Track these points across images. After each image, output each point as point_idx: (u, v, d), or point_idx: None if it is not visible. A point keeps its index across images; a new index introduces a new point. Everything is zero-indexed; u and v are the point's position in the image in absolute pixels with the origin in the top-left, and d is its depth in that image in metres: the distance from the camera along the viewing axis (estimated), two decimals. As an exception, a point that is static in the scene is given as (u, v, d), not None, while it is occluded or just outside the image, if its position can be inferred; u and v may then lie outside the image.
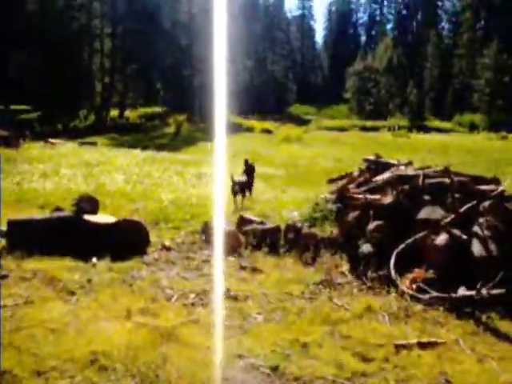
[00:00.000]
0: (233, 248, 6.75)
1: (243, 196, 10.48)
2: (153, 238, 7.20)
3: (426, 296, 5.45)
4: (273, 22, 76.97)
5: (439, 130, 59.99)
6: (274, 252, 6.77)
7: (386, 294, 5.63)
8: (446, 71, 76.17)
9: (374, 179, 8.48)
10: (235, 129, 39.93)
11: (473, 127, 61.85)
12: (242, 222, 7.41)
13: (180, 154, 21.85)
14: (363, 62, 75.75)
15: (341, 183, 9.78)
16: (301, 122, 59.36)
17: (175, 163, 17.47)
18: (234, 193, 10.27)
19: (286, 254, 6.74)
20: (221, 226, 6.99)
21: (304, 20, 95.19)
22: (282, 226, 7.31)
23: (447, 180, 7.11)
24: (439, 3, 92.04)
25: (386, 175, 8.38)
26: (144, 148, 23.34)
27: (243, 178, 10.81)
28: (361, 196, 7.51)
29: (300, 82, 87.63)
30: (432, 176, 7.44)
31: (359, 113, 71.92)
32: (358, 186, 8.80)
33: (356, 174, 10.03)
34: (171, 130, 38.50)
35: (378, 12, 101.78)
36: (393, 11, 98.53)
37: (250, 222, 7.38)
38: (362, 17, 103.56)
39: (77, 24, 47.05)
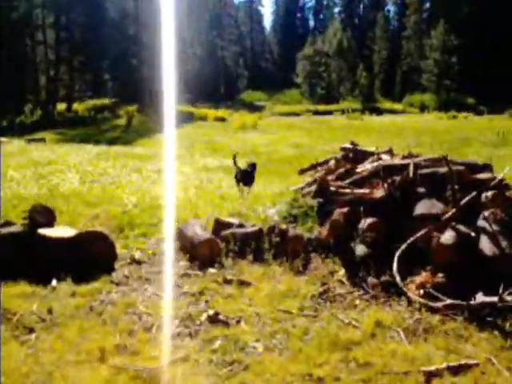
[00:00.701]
0: (212, 257, 5.97)
1: (245, 185, 10.08)
2: (120, 249, 6.33)
3: (440, 304, 4.83)
4: (221, 8, 75.55)
5: (391, 112, 60.54)
6: (260, 259, 6.02)
7: (394, 303, 4.99)
8: (395, 53, 76.87)
9: (357, 170, 7.83)
10: (188, 118, 38.93)
11: (423, 107, 62.69)
12: (219, 225, 6.61)
13: (135, 148, 20.76)
14: (313, 46, 75.53)
15: (317, 174, 9.12)
16: (253, 108, 58.70)
17: (131, 158, 16.47)
18: (237, 180, 10.07)
19: (272, 261, 5.99)
20: (196, 232, 6.19)
21: (252, 5, 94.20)
22: (264, 228, 6.55)
23: (441, 169, 6.52)
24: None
25: (371, 165, 7.76)
26: (96, 142, 22.12)
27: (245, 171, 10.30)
28: (347, 190, 6.83)
29: (250, 67, 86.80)
30: (424, 166, 6.82)
31: (311, 97, 71.80)
32: (339, 177, 8.15)
33: (332, 163, 9.38)
34: (122, 121, 37.09)
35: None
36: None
37: (228, 225, 6.59)
38: (310, 1, 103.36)
39: (16, 14, 44.68)
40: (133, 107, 40.65)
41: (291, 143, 24.87)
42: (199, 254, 5.94)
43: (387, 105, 66.54)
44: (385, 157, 8.30)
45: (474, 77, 63.51)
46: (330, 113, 56.18)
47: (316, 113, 56.32)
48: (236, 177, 10.19)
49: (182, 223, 6.84)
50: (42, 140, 24.16)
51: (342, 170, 8.27)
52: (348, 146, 9.68)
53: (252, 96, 74.07)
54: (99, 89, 54.35)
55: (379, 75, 76.77)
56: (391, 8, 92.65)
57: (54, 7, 46.51)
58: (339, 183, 7.40)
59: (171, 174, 13.53)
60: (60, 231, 5.87)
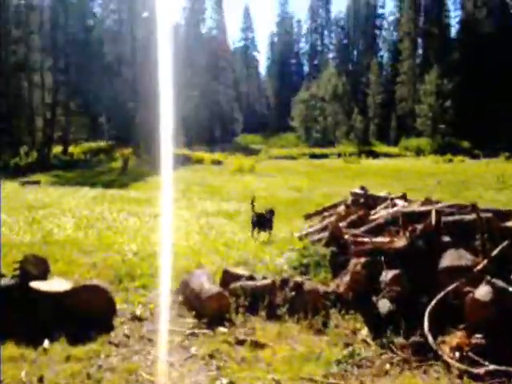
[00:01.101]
0: (220, 312, 5.43)
1: (263, 230, 10.06)
2: (119, 303, 5.76)
3: (482, 370, 4.29)
4: (217, 54, 76.44)
5: (387, 155, 60.66)
6: (273, 316, 5.47)
7: (429, 369, 4.44)
8: (389, 98, 77.67)
9: (371, 217, 7.36)
10: (184, 161, 38.66)
11: (419, 151, 62.93)
12: (227, 277, 6.09)
13: (131, 191, 20.30)
14: (308, 91, 76.33)
15: (326, 220, 8.65)
16: (249, 151, 58.77)
17: (128, 202, 15.98)
18: (253, 224, 10.05)
19: (287, 318, 5.44)
20: (203, 285, 5.66)
21: (247, 51, 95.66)
22: (276, 280, 6.02)
23: (467, 217, 6.05)
24: (377, 32, 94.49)
25: (386, 212, 7.30)
26: (92, 185, 21.67)
27: (262, 216, 10.29)
28: (365, 239, 6.34)
29: (246, 111, 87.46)
30: (448, 213, 6.36)
31: (307, 140, 72.20)
32: (351, 224, 7.68)
33: (342, 209, 8.93)
34: (118, 164, 36.75)
35: (319, 42, 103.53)
36: (333, 41, 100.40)
37: (237, 276, 6.06)
38: (304, 47, 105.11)
39: (14, 58, 44.93)
40: (128, 150, 40.42)
41: (290, 186, 24.51)
42: (207, 309, 5.39)
43: (383, 148, 66.80)
44: (399, 202, 7.86)
45: (469, 121, 64.04)
46: (326, 156, 56.32)
47: (312, 156, 56.43)
48: (252, 221, 10.03)
49: (187, 274, 6.28)
50: (37, 182, 23.73)
51: (354, 216, 7.81)
52: (358, 190, 9.25)
53: (247, 139, 74.42)
54: (95, 132, 54.29)
55: (374, 119, 77.34)
56: (385, 54, 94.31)
57: (53, 51, 46.84)
58: (354, 231, 6.92)
59: (170, 219, 13.03)
60: (54, 284, 5.32)
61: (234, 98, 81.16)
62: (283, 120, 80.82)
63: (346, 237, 6.82)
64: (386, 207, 7.89)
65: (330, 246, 7.39)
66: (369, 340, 4.99)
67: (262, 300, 5.60)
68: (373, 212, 7.85)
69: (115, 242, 9.11)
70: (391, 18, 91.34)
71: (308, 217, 11.09)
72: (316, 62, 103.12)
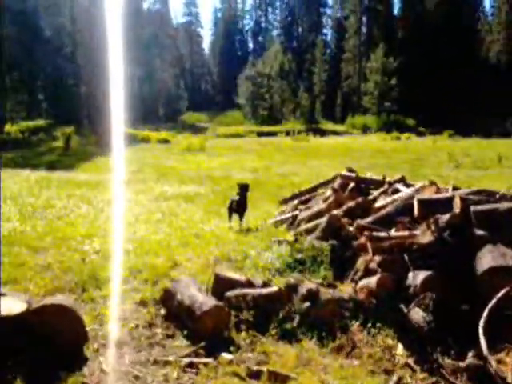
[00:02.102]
0: (218, 330, 4.35)
1: (240, 217, 9.13)
2: (87, 320, 4.58)
3: None
4: (160, 29, 73.76)
5: (334, 133, 60.49)
6: (286, 334, 4.42)
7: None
8: (334, 75, 77.49)
9: (376, 205, 6.41)
10: (130, 140, 36.88)
11: (365, 129, 63.16)
12: (220, 283, 4.98)
13: (78, 173, 18.66)
14: (254, 68, 75.03)
15: (319, 208, 7.64)
16: (196, 130, 57.36)
17: (78, 186, 14.49)
18: (230, 212, 9.18)
19: (303, 336, 4.41)
20: (194, 297, 4.54)
21: (191, 26, 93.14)
22: (280, 285, 4.97)
23: (502, 206, 5.17)
24: (322, 10, 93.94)
25: (392, 199, 6.35)
26: (34, 167, 19.84)
27: (238, 197, 9.35)
28: (382, 234, 5.36)
29: (190, 89, 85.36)
30: (476, 201, 5.46)
31: (253, 118, 71.18)
32: (348, 213, 6.71)
33: (330, 194, 7.95)
34: (59, 144, 34.56)
35: (263, 19, 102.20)
36: (278, 17, 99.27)
37: (232, 283, 4.96)
38: (249, 23, 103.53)
39: None
40: (70, 129, 38.17)
41: (246, 167, 23.46)
42: (202, 328, 4.29)
43: (329, 126, 66.61)
44: (402, 187, 6.93)
45: (413, 99, 64.60)
46: (274, 134, 55.48)
47: (260, 134, 55.51)
48: (230, 207, 9.12)
49: (171, 282, 5.11)
50: (-29, 165, 21.65)
51: (351, 203, 6.83)
52: (348, 173, 8.27)
53: (193, 118, 72.76)
54: (33, 109, 51.24)
55: (320, 97, 76.97)
56: (329, 31, 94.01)
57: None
58: (360, 222, 5.94)
59: (127, 205, 11.76)
60: (5, 305, 4.07)
61: (178, 75, 78.92)
62: (229, 97, 79.48)
63: (351, 229, 5.85)
64: (383, 192, 6.98)
65: (326, 238, 6.42)
66: (411, 362, 4.03)
67: (269, 313, 4.54)
68: (370, 198, 6.92)
69: (71, 236, 7.80)
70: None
71: (285, 202, 10.10)
72: (260, 38, 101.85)
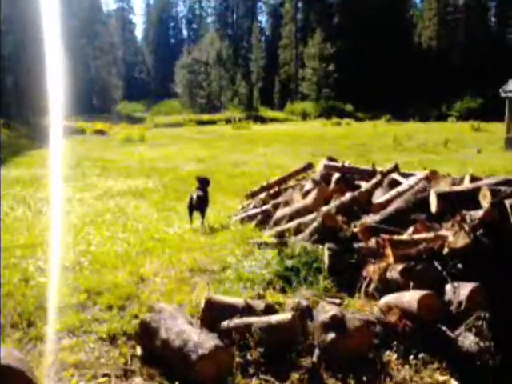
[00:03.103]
0: (217, 377, 3.30)
1: (202, 214, 8.16)
2: (39, 374, 3.42)
3: None
4: (91, 16, 70.53)
5: (274, 120, 59.99)
6: (311, 377, 3.41)
7: None
8: (272, 62, 76.87)
9: (377, 201, 5.49)
10: (64, 132, 34.83)
11: (305, 115, 63.10)
12: (213, 309, 3.90)
13: (10, 169, 16.89)
14: (190, 56, 73.33)
15: (303, 203, 6.65)
16: (133, 120, 55.38)
17: (10, 184, 12.93)
18: (190, 209, 8.16)
19: (329, 378, 3.41)
20: (187, 336, 3.46)
21: (123, 13, 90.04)
22: (285, 305, 3.96)
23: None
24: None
25: (396, 192, 5.44)
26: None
27: (200, 193, 8.30)
28: (404, 237, 4.42)
29: (125, 78, 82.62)
30: (508, 194, 4.60)
31: (192, 107, 69.77)
32: (342, 210, 5.77)
33: (311, 187, 6.99)
34: (-14, 137, 32.10)
35: (197, 5, 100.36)
36: (212, 4, 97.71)
37: (228, 308, 3.90)
38: (182, 10, 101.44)
39: None
40: (-4, 120, 35.58)
41: (191, 157, 22.34)
42: (199, 376, 3.22)
43: (269, 113, 66.04)
44: (400, 178, 6.04)
45: (351, 85, 64.95)
46: (213, 122, 54.47)
47: (200, 122, 54.34)
48: (190, 204, 8.08)
49: (151, 313, 3.95)
50: None
51: (344, 198, 5.88)
52: (331, 162, 7.30)
53: (129, 107, 70.57)
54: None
55: (257, 84, 76.24)
56: (263, 18, 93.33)
57: None
58: (366, 221, 5.00)
59: (71, 205, 10.41)
60: None
61: (111, 63, 76.02)
62: (165, 86, 77.47)
63: (356, 230, 4.90)
64: (377, 184, 6.08)
65: (319, 240, 5.46)
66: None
67: (284, 349, 3.52)
68: (363, 190, 6.01)
69: (7, 246, 6.49)
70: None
71: (253, 195, 9.09)
72: (195, 25, 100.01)
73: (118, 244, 6.82)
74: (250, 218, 8.41)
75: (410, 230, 4.58)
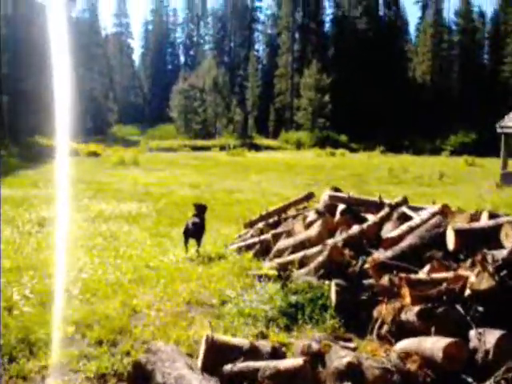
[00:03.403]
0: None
1: (198, 242, 7.88)
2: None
3: None
4: (89, 39, 70.84)
5: (268, 148, 60.01)
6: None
7: None
8: (267, 91, 77.24)
9: (390, 235, 5.18)
10: (56, 153, 34.51)
11: (299, 144, 63.17)
12: (215, 351, 3.54)
13: (1, 188, 16.50)
14: (187, 81, 73.56)
15: (306, 235, 6.33)
16: (127, 143, 55.22)
17: (-1, 204, 12.55)
18: (186, 237, 7.83)
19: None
20: (180, 376, 3.10)
21: (121, 37, 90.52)
22: (296, 347, 3.61)
23: None
24: (254, 26, 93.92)
25: (407, 227, 5.14)
26: None
27: (196, 220, 8.00)
28: (421, 276, 4.11)
29: (120, 101, 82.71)
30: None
31: (186, 132, 69.71)
32: (350, 243, 5.46)
33: (314, 218, 6.68)
34: (-25, 156, 31.70)
35: (195, 32, 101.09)
36: (210, 32, 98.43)
37: (229, 349, 3.55)
38: (180, 37, 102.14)
39: None
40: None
41: (185, 182, 22.07)
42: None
43: (263, 141, 66.19)
44: (410, 212, 5.74)
45: (345, 115, 65.30)
46: (208, 148, 54.40)
47: (194, 148, 54.27)
48: (186, 232, 7.76)
49: (146, 353, 3.56)
50: None
51: (351, 231, 5.57)
52: (336, 193, 7.00)
53: (123, 131, 70.45)
54: None
55: (253, 112, 76.50)
56: (260, 47, 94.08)
57: None
58: (377, 256, 4.68)
59: (62, 228, 10.03)
60: None
61: (107, 86, 76.16)
62: (161, 111, 77.50)
63: (367, 266, 4.59)
64: (385, 217, 5.78)
65: (325, 275, 5.13)
66: None
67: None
68: (370, 224, 5.70)
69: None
70: (269, 12, 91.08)
71: (251, 224, 8.76)
72: (192, 52, 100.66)
73: (109, 271, 6.45)
74: (248, 247, 8.10)
75: (426, 268, 4.27)
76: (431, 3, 76.46)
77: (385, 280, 4.36)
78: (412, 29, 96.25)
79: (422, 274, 4.12)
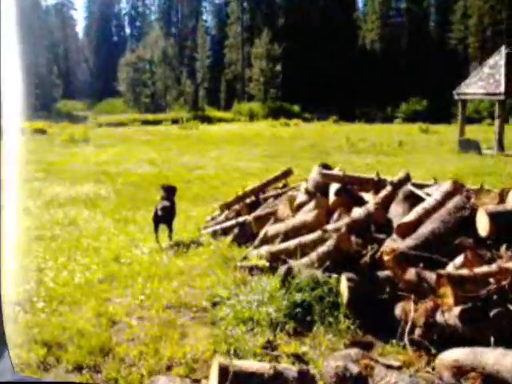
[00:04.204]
0: None
1: (170, 228, 7.14)
2: None
3: None
4: (29, 11, 67.23)
5: (221, 120, 58.95)
6: None
7: None
8: (217, 62, 75.80)
9: (404, 220, 4.55)
10: (-1, 132, 32.68)
11: (252, 115, 62.40)
12: (231, 381, 2.84)
13: None
14: (134, 53, 71.21)
15: (301, 219, 5.64)
16: (74, 119, 53.16)
17: None
18: (156, 223, 7.07)
19: None
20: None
21: (63, 8, 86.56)
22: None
23: None
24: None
25: (426, 210, 4.51)
26: None
27: (166, 203, 7.22)
28: (464, 271, 3.49)
29: (65, 76, 79.47)
30: None
31: (136, 106, 67.66)
32: (354, 228, 4.81)
33: (305, 199, 6.01)
34: None
35: (140, 3, 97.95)
36: (155, 2, 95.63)
37: (248, 377, 2.86)
38: (125, 7, 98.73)
39: None
40: None
41: (142, 159, 21.04)
42: None
43: (216, 113, 64.93)
44: (418, 191, 5.10)
45: (297, 85, 64.80)
46: (159, 122, 52.85)
47: (145, 122, 52.64)
48: (155, 217, 6.98)
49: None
50: None
51: (355, 215, 4.91)
52: (328, 171, 6.30)
53: (69, 106, 67.80)
54: None
55: (203, 84, 75.02)
56: (209, 17, 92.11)
57: None
58: (400, 247, 4.05)
59: (11, 215, 9.03)
60: None
61: (51, 60, 72.90)
62: (108, 84, 74.85)
63: (386, 258, 3.95)
64: (388, 197, 5.16)
65: (331, 268, 4.49)
66: None
67: None
68: (377, 205, 5.07)
69: None
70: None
71: (228, 207, 8.02)
72: (138, 23, 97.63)
73: (76, 269, 5.62)
74: (224, 231, 7.39)
75: (459, 259, 3.67)
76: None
77: (411, 274, 3.75)
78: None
79: (454, 268, 3.52)
